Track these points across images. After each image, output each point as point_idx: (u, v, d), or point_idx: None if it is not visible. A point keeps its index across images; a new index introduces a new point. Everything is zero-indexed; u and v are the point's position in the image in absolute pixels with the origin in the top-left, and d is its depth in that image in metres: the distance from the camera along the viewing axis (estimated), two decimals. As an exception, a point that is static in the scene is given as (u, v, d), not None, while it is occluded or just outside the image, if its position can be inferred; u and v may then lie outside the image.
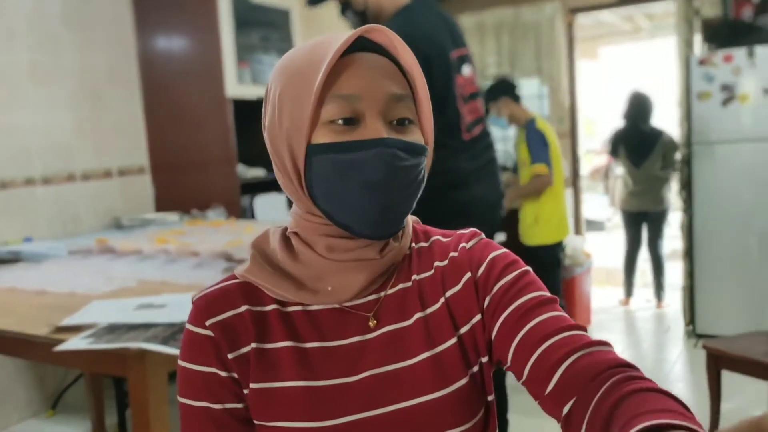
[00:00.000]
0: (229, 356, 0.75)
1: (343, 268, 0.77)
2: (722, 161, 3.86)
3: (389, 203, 0.74)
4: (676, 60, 4.21)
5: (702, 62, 3.85)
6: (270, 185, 3.80)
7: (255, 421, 0.76)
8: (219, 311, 0.76)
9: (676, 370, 3.65)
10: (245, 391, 0.75)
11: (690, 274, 4.03)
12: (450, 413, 0.75)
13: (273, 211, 3.65)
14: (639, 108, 4.41)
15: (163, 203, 3.66)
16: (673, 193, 4.59)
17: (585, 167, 6.64)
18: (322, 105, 0.72)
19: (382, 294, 0.80)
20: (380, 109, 0.74)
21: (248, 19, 3.48)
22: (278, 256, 0.79)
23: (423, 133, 0.79)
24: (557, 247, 3.60)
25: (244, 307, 0.77)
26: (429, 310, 0.80)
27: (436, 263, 0.83)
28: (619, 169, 5.05)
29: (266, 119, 0.78)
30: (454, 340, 0.78)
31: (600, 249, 6.02)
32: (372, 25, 0.77)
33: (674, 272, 4.82)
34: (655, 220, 4.58)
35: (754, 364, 2.48)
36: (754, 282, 3.80)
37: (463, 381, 0.77)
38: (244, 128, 3.56)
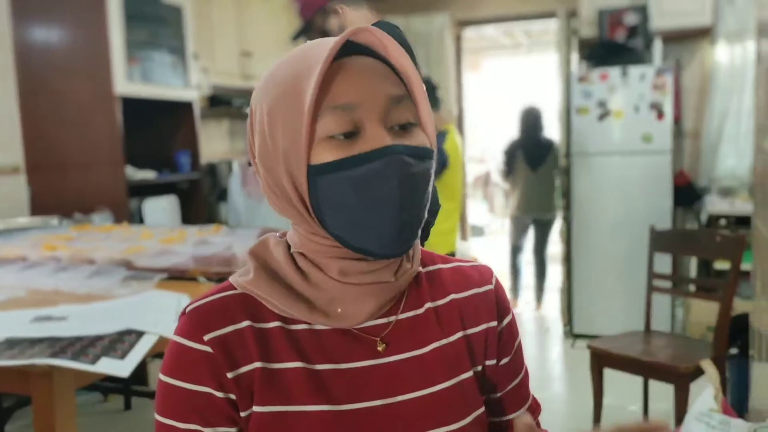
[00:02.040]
0: (229, 375, 0.68)
1: (357, 292, 0.71)
2: (598, 172, 4.14)
3: (406, 216, 0.67)
4: (556, 76, 4.47)
5: (581, 79, 4.11)
6: (160, 188, 3.64)
7: None
8: (218, 325, 0.70)
9: (557, 369, 3.87)
10: (242, 414, 0.69)
11: (568, 278, 4.29)
12: None
13: (162, 215, 3.50)
14: (533, 120, 4.77)
15: (39, 206, 3.40)
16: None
17: (469, 175, 6.88)
18: (317, 119, 0.66)
19: (393, 318, 0.75)
20: (380, 114, 0.67)
21: (138, 14, 3.32)
22: (287, 274, 0.72)
23: (426, 135, 0.72)
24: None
25: (245, 323, 0.71)
26: (445, 341, 0.77)
27: (453, 295, 0.80)
28: (497, 178, 5.33)
29: (255, 144, 0.71)
30: (470, 374, 0.78)
31: (483, 254, 6.26)
32: (358, 27, 0.69)
33: (554, 276, 5.10)
34: (545, 226, 4.89)
35: (632, 361, 2.68)
36: (624, 284, 4.09)
37: (479, 411, 0.77)
38: (133, 128, 3.39)
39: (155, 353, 1.46)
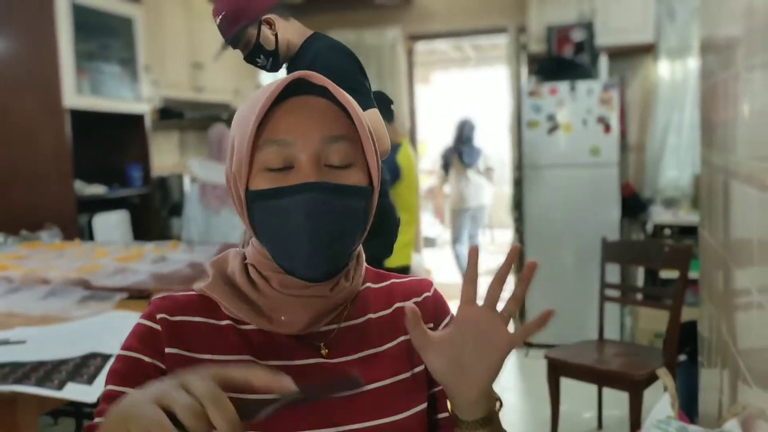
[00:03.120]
0: (167, 350, 0.76)
1: (295, 303, 0.79)
2: (548, 184, 4.23)
3: (318, 246, 0.75)
4: (505, 89, 4.57)
5: (531, 93, 4.20)
6: (110, 203, 3.55)
7: None
8: (175, 312, 0.79)
9: (512, 379, 3.92)
10: None
11: (521, 288, 4.36)
12: None
13: (114, 231, 3.42)
14: (467, 129, 5.66)
15: (-19, 223, 3.27)
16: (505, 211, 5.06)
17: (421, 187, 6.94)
18: (257, 150, 0.75)
19: (335, 326, 0.83)
20: (313, 151, 0.75)
21: (88, 25, 3.24)
22: (239, 281, 0.81)
23: (364, 173, 0.78)
24: (406, 270, 3.73)
25: (200, 317, 0.79)
26: (386, 346, 0.85)
27: (397, 304, 0.88)
28: (448, 188, 5.79)
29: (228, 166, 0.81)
30: (409, 374, 0.84)
31: (436, 266, 6.31)
32: (301, 71, 0.77)
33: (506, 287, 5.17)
34: (478, 214, 5.78)
35: (588, 370, 2.75)
36: (575, 293, 4.19)
37: (419, 408, 0.83)
38: (82, 142, 3.30)
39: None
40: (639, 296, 3.57)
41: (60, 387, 1.25)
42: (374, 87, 2.11)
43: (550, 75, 4.29)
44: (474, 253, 0.74)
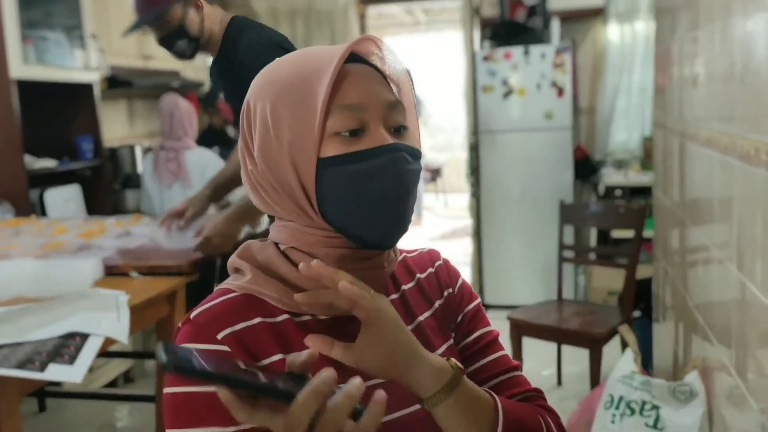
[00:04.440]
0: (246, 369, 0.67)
1: (355, 278, 0.72)
2: (504, 148, 4.29)
3: (403, 210, 0.74)
4: (459, 54, 4.57)
5: (486, 58, 4.23)
6: (61, 177, 3.44)
7: None
8: (230, 323, 0.71)
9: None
10: None
11: (478, 252, 4.44)
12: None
13: (66, 206, 3.32)
14: None
15: (-75, 200, 3.13)
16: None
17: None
18: (326, 117, 0.71)
19: None
20: (381, 117, 0.73)
21: (30, -9, 3.09)
22: (282, 269, 0.75)
23: (415, 138, 0.79)
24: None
25: (257, 319, 0.72)
26: (423, 317, 0.84)
27: (419, 275, 0.88)
28: None
29: (255, 139, 0.74)
30: (450, 342, 0.85)
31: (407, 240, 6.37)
32: (365, 35, 0.76)
33: (464, 250, 5.27)
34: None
35: (549, 329, 2.84)
36: (530, 255, 4.29)
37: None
38: (31, 114, 3.17)
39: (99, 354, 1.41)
40: (593, 256, 3.68)
41: (42, 369, 1.23)
42: None
43: (504, 39, 4.31)
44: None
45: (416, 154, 0.76)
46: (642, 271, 3.02)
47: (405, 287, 0.86)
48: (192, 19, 1.93)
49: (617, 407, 1.87)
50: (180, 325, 0.74)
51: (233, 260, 0.78)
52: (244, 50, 1.88)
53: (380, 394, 0.59)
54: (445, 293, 0.89)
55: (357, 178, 0.71)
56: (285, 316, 0.74)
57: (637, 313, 3.09)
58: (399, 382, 0.70)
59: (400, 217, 0.74)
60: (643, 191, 3.97)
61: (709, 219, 1.75)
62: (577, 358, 3.20)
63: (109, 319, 1.45)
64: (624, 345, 2.67)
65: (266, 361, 0.71)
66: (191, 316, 0.73)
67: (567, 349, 3.14)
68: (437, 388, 0.70)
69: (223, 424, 0.67)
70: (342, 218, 0.73)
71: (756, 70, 1.32)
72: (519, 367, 0.89)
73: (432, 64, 7.54)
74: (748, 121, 1.37)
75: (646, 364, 2.81)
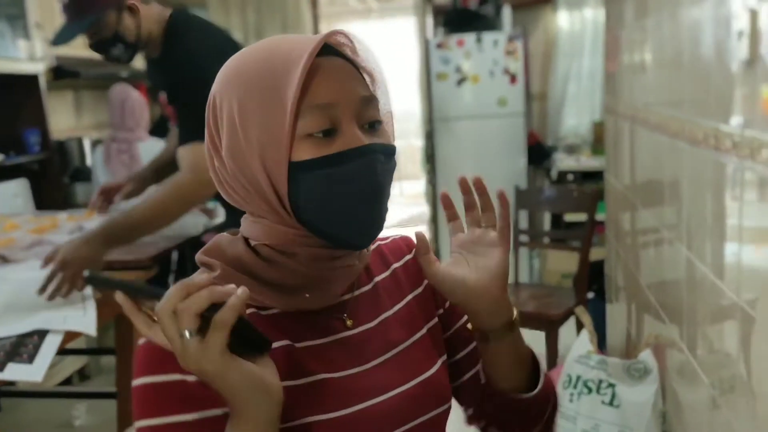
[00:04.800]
0: None
1: (325, 277, 0.75)
2: (458, 135, 4.34)
3: (378, 210, 0.73)
4: (412, 41, 4.59)
5: (439, 46, 4.25)
6: (8, 171, 3.34)
7: None
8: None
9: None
10: None
11: (435, 238, 4.48)
12: (428, 399, 0.80)
13: (14, 201, 3.22)
14: None
15: None
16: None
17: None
18: (297, 118, 0.68)
19: (349, 296, 0.80)
20: (354, 114, 0.71)
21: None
22: (252, 265, 0.74)
23: (388, 132, 0.78)
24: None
25: None
26: (396, 308, 0.85)
27: (394, 265, 0.88)
28: None
29: (222, 137, 0.72)
30: (423, 332, 0.85)
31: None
32: (335, 29, 0.73)
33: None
34: None
35: (530, 316, 2.85)
36: (487, 240, 4.35)
37: (443, 357, 0.85)
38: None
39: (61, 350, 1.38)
40: (547, 240, 3.76)
41: (1, 368, 1.20)
42: None
43: (456, 26, 4.34)
44: (445, 198, 0.81)
45: (391, 152, 0.74)
46: (595, 254, 3.10)
47: (378, 278, 0.85)
48: (127, 25, 1.80)
49: (575, 386, 1.92)
50: None
51: (201, 256, 0.77)
52: (185, 59, 1.78)
53: (243, 289, 0.61)
54: (425, 282, 0.89)
55: (331, 182, 0.69)
56: (251, 310, 0.74)
57: (590, 295, 3.17)
58: (465, 306, 0.78)
59: (375, 218, 0.73)
60: (595, 175, 4.06)
61: (659, 201, 1.81)
62: (534, 340, 3.23)
63: (75, 313, 1.43)
64: (579, 326, 2.74)
65: None
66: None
67: (524, 332, 3.17)
68: (501, 322, 0.79)
69: (185, 411, 0.68)
70: (316, 220, 0.71)
71: (702, 58, 1.36)
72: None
73: (385, 52, 7.55)
74: (696, 107, 1.42)
75: (600, 343, 2.89)
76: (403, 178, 8.49)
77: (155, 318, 0.60)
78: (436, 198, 4.43)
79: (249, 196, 0.73)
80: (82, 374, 3.39)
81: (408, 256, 0.90)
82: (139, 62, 4.58)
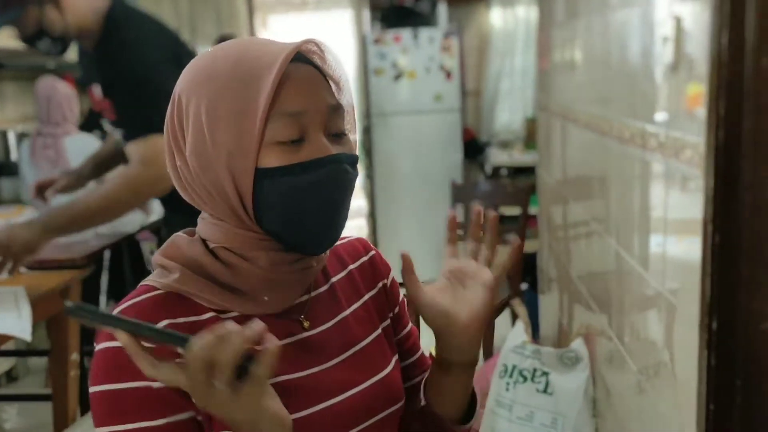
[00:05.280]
0: None
1: (284, 280, 0.76)
2: (396, 130, 4.38)
3: (339, 218, 0.74)
4: (348, 35, 4.60)
5: (376, 41, 4.27)
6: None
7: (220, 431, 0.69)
8: (154, 320, 0.69)
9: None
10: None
11: (373, 232, 4.52)
12: (385, 397, 0.82)
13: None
14: None
15: None
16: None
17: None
18: (266, 125, 0.68)
19: (306, 297, 0.81)
20: (322, 123, 0.72)
21: None
22: (211, 268, 0.74)
23: (353, 141, 0.78)
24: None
25: (178, 318, 0.71)
26: (352, 308, 0.86)
27: (350, 266, 0.89)
28: None
29: (187, 138, 0.71)
30: (379, 331, 0.87)
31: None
32: (307, 38, 0.73)
33: (357, 231, 5.33)
34: None
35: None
36: (424, 233, 4.42)
37: (395, 357, 0.87)
38: None
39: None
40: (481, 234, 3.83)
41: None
42: (213, 33, 1.95)
43: (393, 22, 4.38)
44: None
45: (355, 161, 0.76)
46: (528, 246, 3.20)
47: (334, 279, 0.86)
48: (52, 19, 1.74)
49: (511, 375, 1.98)
50: None
51: (159, 258, 0.76)
52: (125, 53, 1.74)
53: (272, 342, 0.60)
54: (380, 284, 0.91)
55: (296, 190, 0.70)
56: (210, 314, 0.73)
57: (524, 286, 3.27)
58: (440, 334, 0.78)
59: (336, 226, 0.75)
60: (527, 170, 4.17)
61: (589, 196, 1.89)
62: (470, 331, 3.34)
63: (10, 316, 1.38)
64: (514, 317, 2.82)
65: None
66: (114, 312, 0.71)
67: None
68: (467, 359, 0.80)
69: (153, 418, 0.67)
70: (278, 226, 0.72)
71: (630, 60, 1.43)
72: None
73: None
74: (624, 107, 1.49)
75: (534, 333, 2.99)
76: (340, 172, 8.49)
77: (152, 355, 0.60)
78: (374, 193, 4.46)
79: (211, 198, 0.73)
80: (10, 376, 3.27)
81: (364, 258, 0.92)
82: (67, 53, 4.44)
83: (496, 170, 4.34)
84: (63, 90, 3.11)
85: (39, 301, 1.58)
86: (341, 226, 0.76)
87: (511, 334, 2.14)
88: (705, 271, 1.00)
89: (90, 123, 3.90)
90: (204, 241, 0.76)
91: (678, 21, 1.11)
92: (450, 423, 0.85)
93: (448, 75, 4.28)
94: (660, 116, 1.22)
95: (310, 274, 0.79)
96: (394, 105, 4.33)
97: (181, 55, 1.80)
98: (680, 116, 1.12)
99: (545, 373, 1.92)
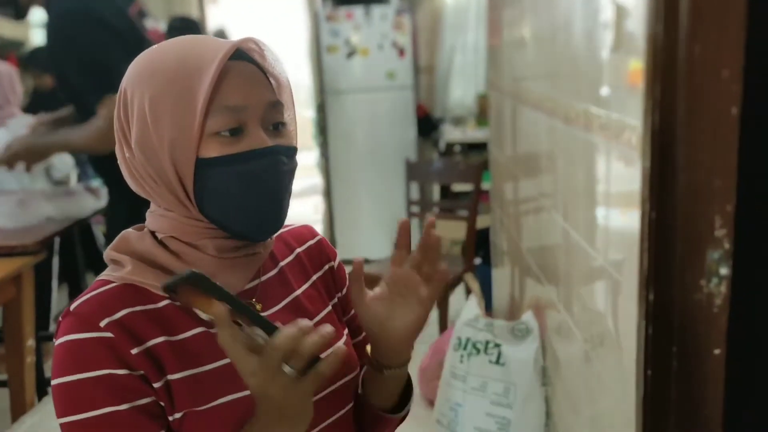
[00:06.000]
0: (133, 351, 0.72)
1: (232, 265, 0.80)
2: (349, 108, 4.38)
3: (278, 207, 0.79)
4: (301, 12, 4.56)
5: (328, 18, 4.25)
6: None
7: (181, 412, 0.74)
8: (112, 312, 0.73)
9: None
10: (156, 385, 0.73)
11: (329, 209, 4.53)
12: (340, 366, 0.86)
13: None
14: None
15: None
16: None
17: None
18: (206, 117, 0.73)
19: (257, 282, 0.85)
20: (261, 116, 0.76)
21: None
22: (161, 258, 0.77)
23: (292, 134, 0.83)
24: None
25: (135, 307, 0.75)
26: (302, 289, 0.90)
27: (297, 250, 0.94)
28: None
29: (132, 129, 0.75)
30: (329, 308, 0.93)
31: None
32: (246, 37, 0.77)
33: (314, 208, 5.32)
34: None
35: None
36: (379, 211, 4.45)
37: (346, 333, 0.92)
38: None
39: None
40: (437, 210, 3.90)
41: None
42: (163, 8, 1.97)
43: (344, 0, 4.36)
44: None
45: (292, 153, 0.80)
46: (481, 222, 3.26)
47: (283, 263, 0.91)
48: None
49: (465, 348, 2.05)
50: (60, 318, 0.75)
51: (110, 253, 0.80)
52: (53, 18, 1.82)
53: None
54: (326, 266, 0.96)
55: (235, 179, 0.74)
56: (166, 302, 0.77)
57: (478, 261, 3.35)
58: (374, 338, 0.83)
59: (276, 214, 0.79)
60: (480, 146, 4.24)
61: (537, 173, 1.95)
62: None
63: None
64: (468, 291, 2.90)
65: (150, 344, 0.74)
66: (71, 308, 0.74)
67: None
68: (399, 362, 0.85)
69: (118, 403, 0.70)
70: (220, 215, 0.76)
71: (574, 42, 1.48)
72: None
73: (272, 21, 7.43)
74: (569, 87, 1.54)
75: (487, 306, 3.07)
76: (295, 149, 8.45)
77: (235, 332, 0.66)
78: (329, 170, 4.47)
79: (157, 187, 0.77)
80: (-40, 364, 3.20)
81: (311, 241, 0.96)
82: (6, 30, 4.29)
83: (450, 147, 4.39)
84: (4, 71, 3.02)
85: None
86: (282, 214, 0.80)
87: (465, 308, 2.20)
88: (642, 247, 1.06)
89: (35, 105, 3.79)
90: (153, 233, 0.80)
91: (618, 6, 1.16)
92: (383, 412, 0.90)
93: (401, 52, 4.29)
94: (602, 98, 1.27)
95: (257, 259, 0.83)
96: (347, 82, 4.33)
97: (124, 27, 1.83)
98: (621, 99, 1.17)
99: (497, 345, 1.99)
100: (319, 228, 5.04)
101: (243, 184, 0.75)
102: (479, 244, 3.27)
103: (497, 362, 1.97)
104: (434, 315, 2.94)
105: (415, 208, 3.50)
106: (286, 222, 0.97)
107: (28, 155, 1.95)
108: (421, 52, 4.81)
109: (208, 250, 0.78)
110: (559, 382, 1.83)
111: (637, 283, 1.10)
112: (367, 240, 4.47)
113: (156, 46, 0.78)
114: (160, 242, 0.79)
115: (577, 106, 1.43)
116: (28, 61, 4.19)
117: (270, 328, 0.66)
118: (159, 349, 0.74)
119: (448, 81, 4.72)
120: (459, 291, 3.22)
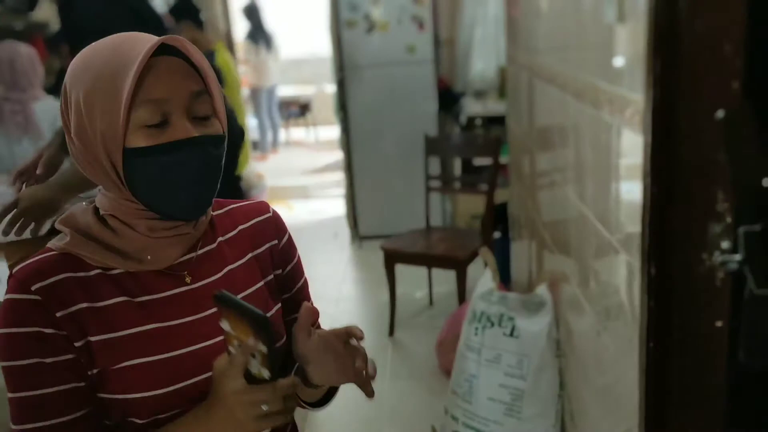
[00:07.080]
0: (58, 314, 0.83)
1: (163, 243, 0.90)
2: (369, 83, 4.37)
3: (203, 191, 0.88)
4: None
5: (347, -8, 4.23)
6: None
7: (98, 369, 0.85)
8: (43, 278, 0.84)
9: (349, 269, 4.18)
10: (77, 344, 0.84)
11: (351, 184, 4.56)
12: None
13: None
14: (255, 14, 6.88)
15: None
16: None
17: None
18: (132, 110, 0.80)
19: (192, 255, 0.95)
20: (185, 107, 0.84)
21: None
22: (98, 233, 0.87)
23: (219, 122, 0.89)
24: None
25: (67, 274, 0.86)
26: (238, 263, 0.99)
27: (240, 226, 1.02)
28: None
29: (71, 121, 0.84)
30: (262, 283, 1.01)
31: (265, 168, 6.33)
32: (170, 36, 0.84)
33: (337, 184, 5.38)
34: (272, 91, 7.29)
35: (419, 256, 3.04)
36: (400, 185, 4.47)
37: (276, 308, 1.01)
38: None
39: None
40: (458, 184, 3.91)
41: None
42: None
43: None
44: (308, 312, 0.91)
45: (218, 142, 0.88)
46: (501, 196, 3.27)
47: (222, 238, 0.99)
48: None
49: (479, 321, 2.08)
50: (8, 278, 0.87)
51: (57, 224, 0.90)
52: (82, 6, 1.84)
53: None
54: (268, 245, 1.04)
55: (161, 168, 0.83)
56: (97, 271, 0.88)
57: (497, 234, 3.36)
58: (310, 374, 0.92)
59: (199, 198, 0.88)
60: (501, 120, 4.21)
61: (551, 147, 1.95)
62: (445, 279, 3.44)
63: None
64: (486, 265, 2.92)
65: (74, 308, 0.85)
66: (14, 271, 0.86)
67: (436, 272, 3.37)
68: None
69: (45, 357, 0.82)
70: (149, 199, 0.86)
71: (582, 15, 1.47)
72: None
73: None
74: (578, 62, 1.54)
75: (505, 279, 3.09)
76: (319, 124, 8.48)
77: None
78: (350, 145, 4.49)
79: (96, 172, 0.86)
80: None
81: (257, 219, 1.04)
82: (36, 14, 4.35)
83: (471, 120, 4.37)
84: (26, 54, 3.07)
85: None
86: (205, 199, 0.89)
87: (480, 282, 2.22)
88: (644, 221, 1.08)
89: (60, 86, 3.85)
90: (97, 210, 0.90)
91: (622, -19, 1.15)
92: (304, 403, 1.01)
93: (421, 25, 4.27)
94: (609, 72, 1.28)
95: (189, 238, 0.92)
96: (367, 57, 4.32)
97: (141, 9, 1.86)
98: (626, 73, 1.17)
99: (511, 318, 2.02)
100: (340, 203, 5.09)
101: (167, 172, 0.83)
102: (498, 218, 3.28)
103: (511, 335, 2.00)
104: (453, 288, 2.98)
105: (435, 183, 3.51)
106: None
107: (42, 211, 1.56)
108: (442, 25, 4.77)
109: (140, 228, 0.88)
110: (571, 354, 1.85)
111: (639, 257, 1.11)
112: (388, 214, 4.49)
113: (93, 43, 0.85)
114: (102, 218, 0.89)
115: (586, 81, 1.43)
116: (53, 41, 4.26)
117: (271, 343, 0.77)
118: (81, 314, 0.85)
119: (469, 54, 4.68)
120: (478, 264, 3.24)
